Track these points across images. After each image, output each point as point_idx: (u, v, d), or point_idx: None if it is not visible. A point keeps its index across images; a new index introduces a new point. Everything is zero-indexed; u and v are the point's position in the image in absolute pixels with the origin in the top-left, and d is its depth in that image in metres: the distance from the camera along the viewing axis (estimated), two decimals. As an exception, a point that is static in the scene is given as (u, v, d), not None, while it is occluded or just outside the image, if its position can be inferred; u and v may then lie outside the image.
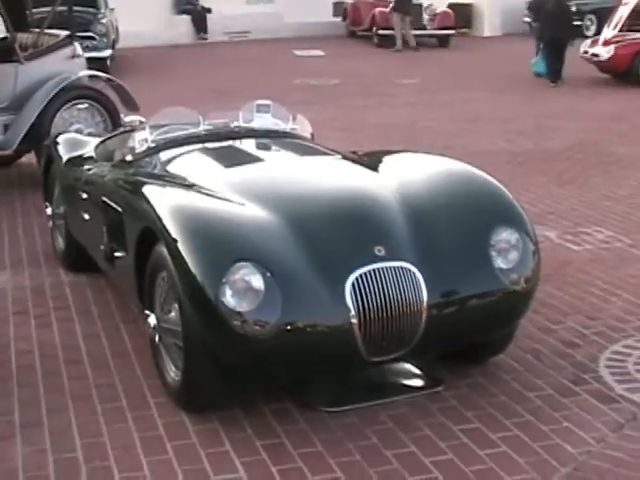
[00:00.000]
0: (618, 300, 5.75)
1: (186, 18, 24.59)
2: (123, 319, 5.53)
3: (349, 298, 4.03)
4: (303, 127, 6.04)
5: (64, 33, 9.50)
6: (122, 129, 6.42)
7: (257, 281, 3.96)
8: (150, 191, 4.65)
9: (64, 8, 9.68)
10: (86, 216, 5.70)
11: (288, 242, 4.16)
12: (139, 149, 5.60)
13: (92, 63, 16.66)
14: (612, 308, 5.61)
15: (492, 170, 9.10)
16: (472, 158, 9.85)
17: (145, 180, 4.97)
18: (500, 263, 4.34)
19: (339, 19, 25.64)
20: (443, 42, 22.13)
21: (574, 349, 5.03)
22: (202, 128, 5.73)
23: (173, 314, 4.26)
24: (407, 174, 4.82)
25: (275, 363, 4.12)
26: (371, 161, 5.19)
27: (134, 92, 9.43)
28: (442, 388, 4.55)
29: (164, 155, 5.41)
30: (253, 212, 4.34)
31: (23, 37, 9.37)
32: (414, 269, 4.16)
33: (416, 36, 21.98)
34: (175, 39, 23.57)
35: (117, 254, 5.07)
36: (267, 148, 5.40)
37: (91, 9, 18.44)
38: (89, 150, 6.31)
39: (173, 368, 4.39)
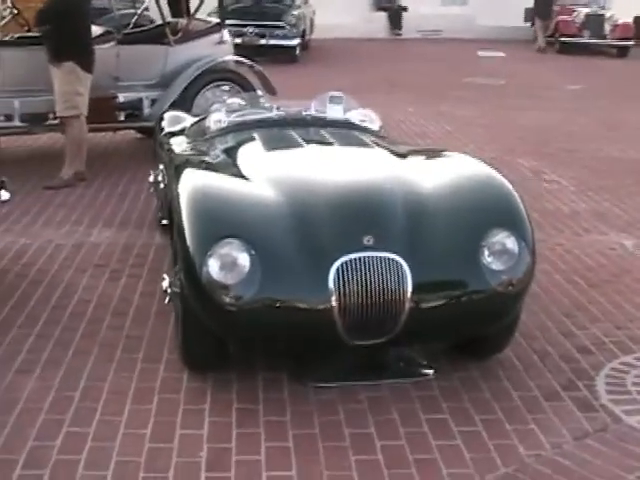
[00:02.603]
0: (657, 314, 5.34)
1: (383, 15, 24.55)
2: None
3: (331, 282, 3.92)
4: (372, 120, 5.91)
5: (214, 20, 9.70)
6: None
7: (241, 257, 3.93)
8: (187, 169, 4.68)
9: None
10: (162, 185, 5.83)
11: (282, 224, 4.10)
12: (212, 129, 5.67)
13: (281, 50, 17.20)
14: (646, 321, 5.23)
15: (601, 177, 8.87)
16: (592, 163, 9.57)
17: (194, 158, 5.02)
18: (490, 264, 4.12)
19: (529, 24, 24.89)
20: (622, 52, 21.13)
21: (584, 355, 4.71)
22: (273, 114, 5.73)
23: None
24: (425, 172, 4.63)
25: (255, 336, 4.09)
26: (411, 158, 5.02)
27: (315, 78, 9.32)
28: (431, 377, 4.37)
29: (228, 137, 5.43)
30: (259, 193, 4.29)
31: (177, 22, 9.63)
32: (401, 261, 4.00)
33: (596, 45, 21.22)
34: (371, 33, 23.53)
35: (163, 222, 5.16)
36: (317, 136, 5.29)
37: (286, 1, 18.74)
38: (184, 127, 6.42)
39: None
